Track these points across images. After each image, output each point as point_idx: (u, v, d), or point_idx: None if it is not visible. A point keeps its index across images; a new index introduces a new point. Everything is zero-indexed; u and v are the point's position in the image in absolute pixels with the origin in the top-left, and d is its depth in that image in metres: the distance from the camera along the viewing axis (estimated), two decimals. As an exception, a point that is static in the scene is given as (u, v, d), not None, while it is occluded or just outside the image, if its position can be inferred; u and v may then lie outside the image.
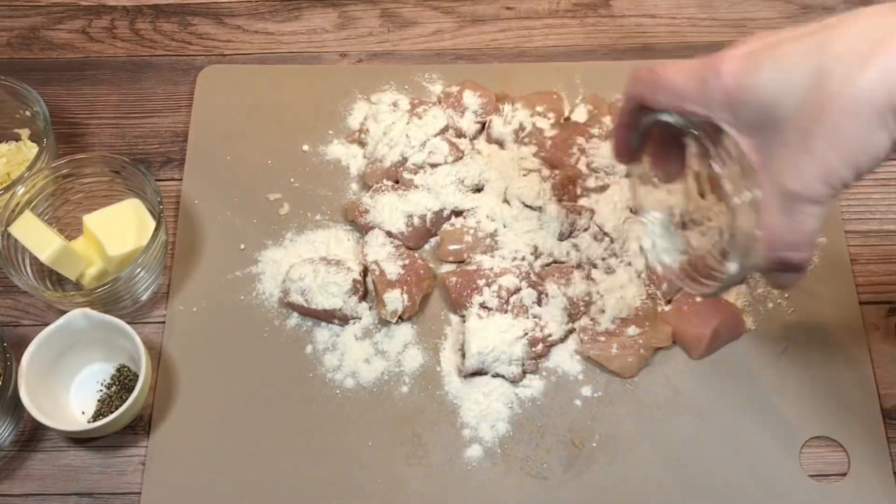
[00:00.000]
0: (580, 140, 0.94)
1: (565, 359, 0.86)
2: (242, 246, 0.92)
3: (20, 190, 0.87)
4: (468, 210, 0.91)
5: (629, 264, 0.88)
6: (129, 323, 0.82)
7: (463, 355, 0.84)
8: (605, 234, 0.90)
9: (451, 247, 0.90)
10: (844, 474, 0.80)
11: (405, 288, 0.86)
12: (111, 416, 0.79)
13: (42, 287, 0.86)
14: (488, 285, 0.86)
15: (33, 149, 0.95)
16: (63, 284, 0.89)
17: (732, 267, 0.64)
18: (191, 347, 0.87)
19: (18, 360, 0.80)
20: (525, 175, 0.92)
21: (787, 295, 0.88)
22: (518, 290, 0.86)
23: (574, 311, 0.86)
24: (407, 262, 0.87)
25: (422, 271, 0.88)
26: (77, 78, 1.04)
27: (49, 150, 0.91)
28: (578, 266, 0.89)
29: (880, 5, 0.57)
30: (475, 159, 0.93)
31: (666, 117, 0.65)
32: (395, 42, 1.06)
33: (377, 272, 0.87)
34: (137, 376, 0.82)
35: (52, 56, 1.05)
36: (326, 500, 0.80)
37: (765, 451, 0.81)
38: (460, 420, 0.83)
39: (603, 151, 0.93)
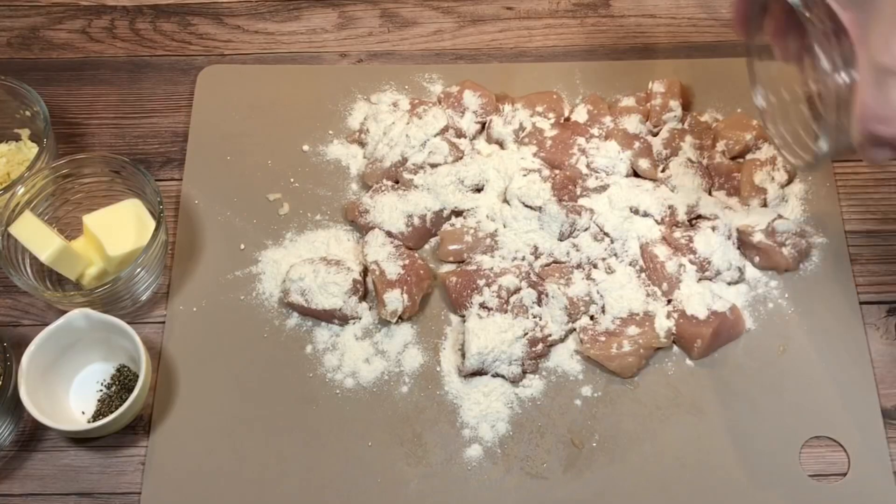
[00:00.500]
0: (580, 140, 0.94)
1: (565, 359, 0.86)
2: (242, 246, 0.92)
3: (20, 190, 0.87)
4: (468, 210, 0.91)
5: (629, 264, 0.88)
6: (129, 323, 0.82)
7: (463, 355, 0.84)
8: (605, 234, 0.90)
9: (451, 247, 0.90)
10: (844, 474, 0.80)
11: (405, 288, 0.86)
12: (111, 416, 0.79)
13: (42, 287, 0.86)
14: (488, 285, 0.86)
15: (33, 149, 0.95)
16: (63, 284, 0.89)
17: (823, 145, 0.67)
18: (191, 347, 0.87)
19: (18, 360, 0.80)
20: (525, 175, 0.92)
21: (787, 295, 0.88)
22: (518, 290, 0.86)
23: (574, 310, 0.86)
24: (407, 262, 0.87)
25: (422, 271, 0.88)
26: (77, 78, 1.04)
27: (49, 150, 0.91)
28: (578, 266, 0.89)
29: None
30: (475, 159, 0.93)
31: None
32: (395, 42, 1.06)
33: (377, 272, 0.87)
34: (137, 376, 0.82)
35: (52, 56, 1.05)
36: (326, 499, 0.80)
37: (765, 452, 0.81)
38: (460, 420, 0.83)
39: (603, 151, 0.93)
